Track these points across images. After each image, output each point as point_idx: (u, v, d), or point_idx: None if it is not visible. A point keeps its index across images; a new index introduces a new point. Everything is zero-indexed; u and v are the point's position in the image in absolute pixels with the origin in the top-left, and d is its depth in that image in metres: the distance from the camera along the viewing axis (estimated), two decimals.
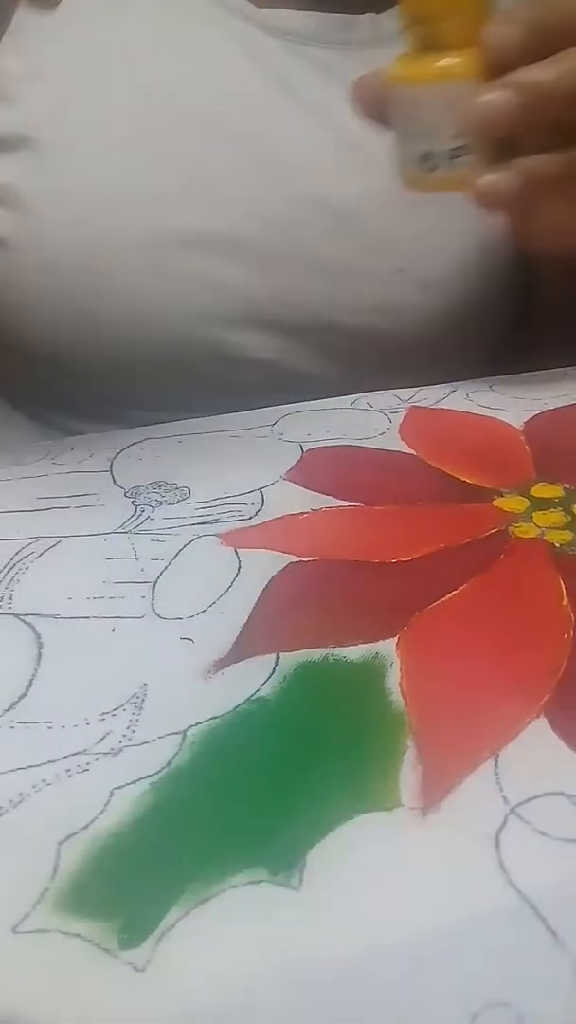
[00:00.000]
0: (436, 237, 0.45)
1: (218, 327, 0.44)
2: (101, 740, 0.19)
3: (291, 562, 0.26)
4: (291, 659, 0.21)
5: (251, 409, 0.38)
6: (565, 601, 0.23)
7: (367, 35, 0.46)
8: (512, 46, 0.29)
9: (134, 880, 0.16)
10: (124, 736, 0.19)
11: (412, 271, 0.45)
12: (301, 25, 0.45)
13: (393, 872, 0.16)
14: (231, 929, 0.15)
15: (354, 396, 0.39)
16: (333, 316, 0.45)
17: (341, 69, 0.43)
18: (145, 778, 0.18)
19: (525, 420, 0.35)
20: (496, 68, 0.30)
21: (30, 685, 0.21)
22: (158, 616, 0.24)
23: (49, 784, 0.18)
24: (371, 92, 0.32)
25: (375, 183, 0.44)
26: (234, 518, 0.28)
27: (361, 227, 0.44)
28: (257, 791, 0.18)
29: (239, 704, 0.20)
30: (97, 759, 0.19)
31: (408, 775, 0.18)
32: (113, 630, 0.23)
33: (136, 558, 0.26)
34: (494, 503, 0.29)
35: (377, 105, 0.32)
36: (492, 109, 0.29)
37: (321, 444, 0.34)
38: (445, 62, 0.30)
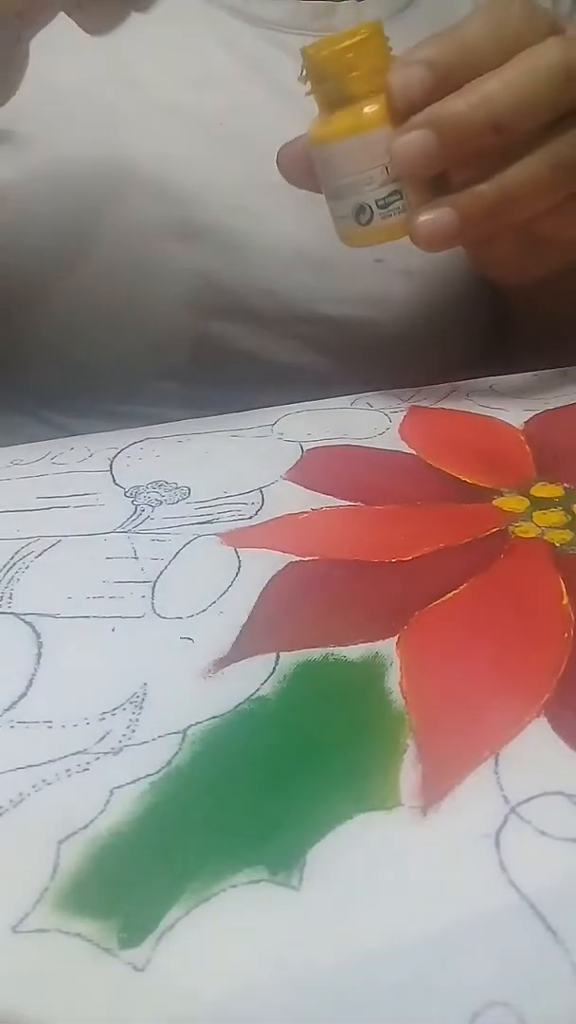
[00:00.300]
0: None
1: (200, 318, 0.44)
2: (101, 739, 0.19)
3: (291, 562, 0.26)
4: (291, 658, 0.21)
5: (231, 401, 0.38)
6: (565, 600, 0.23)
7: (347, 22, 0.46)
8: (417, 87, 0.29)
9: (134, 880, 0.16)
10: (124, 735, 0.19)
11: (393, 260, 0.45)
12: (279, 12, 0.45)
13: (393, 871, 0.16)
14: (231, 928, 0.15)
15: (354, 396, 0.39)
16: (315, 307, 0.45)
17: None
18: (145, 777, 0.18)
19: (525, 420, 0.35)
20: (406, 111, 0.30)
21: (30, 684, 0.21)
22: (158, 615, 0.24)
23: (49, 784, 0.18)
24: (295, 160, 0.33)
25: None
26: (234, 517, 0.28)
27: None
28: (257, 790, 0.18)
29: (239, 703, 0.20)
30: (97, 758, 0.19)
31: (408, 774, 0.18)
32: (113, 629, 0.23)
33: (136, 557, 0.26)
34: (494, 503, 0.29)
35: (303, 171, 0.32)
36: (411, 150, 0.29)
37: (321, 444, 0.34)
38: (356, 114, 0.31)
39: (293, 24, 0.45)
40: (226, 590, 0.24)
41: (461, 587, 0.24)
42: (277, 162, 0.33)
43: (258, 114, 0.44)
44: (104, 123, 0.43)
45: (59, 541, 0.27)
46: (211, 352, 0.45)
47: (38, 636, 0.23)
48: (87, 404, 0.46)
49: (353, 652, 0.22)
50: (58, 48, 0.42)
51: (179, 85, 0.43)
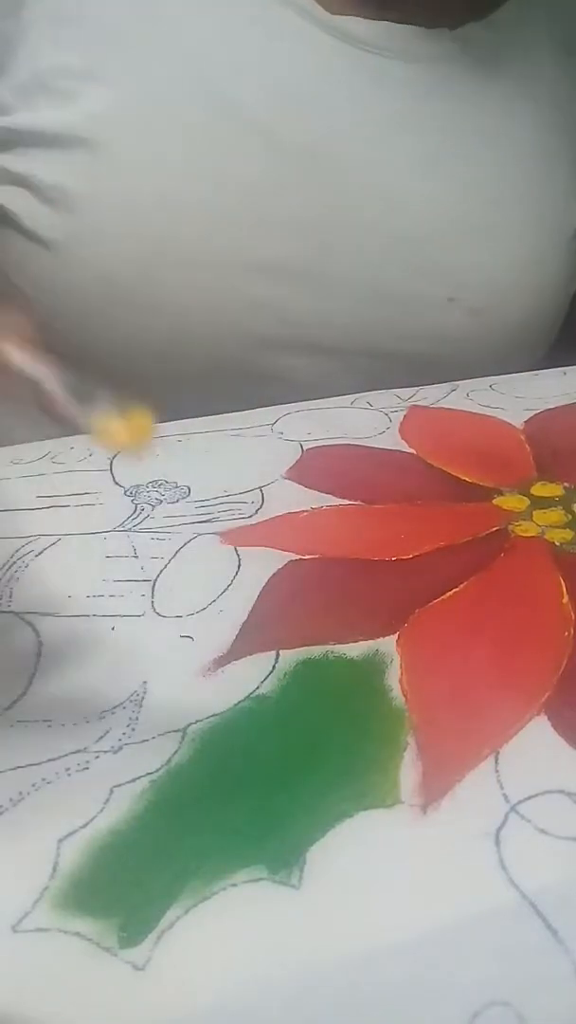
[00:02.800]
0: (490, 265, 0.44)
1: (265, 350, 0.43)
2: (101, 738, 0.19)
3: (291, 560, 0.25)
4: (291, 656, 0.21)
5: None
6: (565, 599, 0.23)
7: (440, 50, 0.43)
8: None
9: (134, 878, 0.16)
10: (124, 734, 0.19)
11: (464, 298, 0.44)
12: (374, 35, 0.42)
13: (393, 869, 0.16)
14: (231, 927, 0.15)
15: (354, 395, 0.39)
16: (382, 342, 0.44)
17: (412, 82, 0.42)
18: (145, 776, 0.18)
19: (525, 419, 0.35)
20: None
21: (30, 683, 0.21)
22: (158, 614, 0.23)
23: (49, 782, 0.18)
24: None
25: (438, 209, 0.43)
26: (234, 516, 0.28)
27: (418, 253, 0.43)
28: (257, 788, 0.18)
29: (239, 701, 0.20)
30: (97, 757, 0.19)
31: (408, 772, 0.18)
32: (113, 628, 0.23)
33: (136, 556, 0.26)
34: (494, 502, 0.29)
35: None
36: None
37: (321, 443, 0.34)
38: None
39: (389, 48, 0.42)
40: (226, 588, 0.24)
41: (461, 585, 0.24)
42: None
43: (345, 142, 0.41)
44: (188, 139, 0.40)
45: (59, 540, 0.27)
46: (268, 381, 0.43)
47: (38, 635, 0.23)
48: None
49: (353, 650, 0.22)
50: (142, 56, 0.40)
51: (265, 105, 0.41)
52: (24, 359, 0.20)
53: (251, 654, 0.22)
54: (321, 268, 0.42)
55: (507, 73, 0.44)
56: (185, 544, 0.27)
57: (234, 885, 0.16)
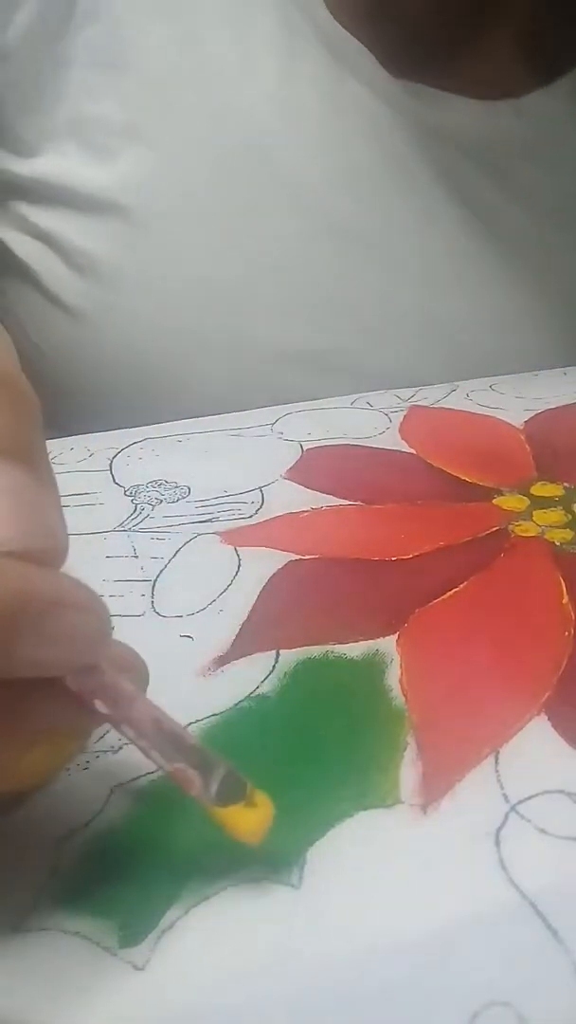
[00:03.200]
0: (535, 354, 0.42)
1: None
2: (101, 738, 0.19)
3: (291, 560, 0.25)
4: (291, 656, 0.21)
5: None
6: (565, 599, 0.23)
7: (501, 128, 0.39)
8: None
9: (134, 878, 0.16)
10: None
11: None
12: (436, 109, 0.38)
13: (393, 869, 0.16)
14: (231, 927, 0.15)
15: (354, 396, 0.39)
16: None
17: (468, 164, 0.39)
18: (145, 775, 0.18)
19: (525, 419, 0.35)
20: None
21: None
22: (158, 614, 0.23)
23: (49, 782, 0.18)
24: None
25: (482, 300, 0.40)
26: (234, 516, 0.28)
27: (464, 345, 0.41)
28: (257, 788, 0.18)
29: (239, 701, 0.20)
30: (97, 756, 0.19)
31: (408, 772, 0.18)
32: (112, 628, 0.23)
33: (136, 556, 0.26)
34: (494, 502, 0.29)
35: None
36: None
37: (321, 443, 0.34)
38: None
39: (451, 123, 0.38)
40: (226, 588, 0.24)
41: (461, 585, 0.24)
42: None
43: (397, 224, 0.38)
44: (229, 215, 0.37)
45: None
46: None
47: None
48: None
49: (353, 650, 0.21)
50: (186, 116, 0.36)
51: (317, 179, 0.37)
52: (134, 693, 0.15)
53: (251, 654, 0.22)
54: (357, 356, 0.40)
55: (565, 151, 0.41)
56: (185, 544, 0.27)
57: (234, 885, 0.16)
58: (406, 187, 0.39)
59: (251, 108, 0.37)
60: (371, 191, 0.39)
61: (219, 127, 0.37)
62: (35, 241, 0.38)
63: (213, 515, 0.28)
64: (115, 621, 0.23)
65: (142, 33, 0.36)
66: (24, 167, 0.38)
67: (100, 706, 0.15)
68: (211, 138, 0.37)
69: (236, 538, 0.27)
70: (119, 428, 0.35)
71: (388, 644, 0.22)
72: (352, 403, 0.38)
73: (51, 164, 0.37)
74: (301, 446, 0.34)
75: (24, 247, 0.39)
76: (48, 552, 0.14)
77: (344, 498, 0.29)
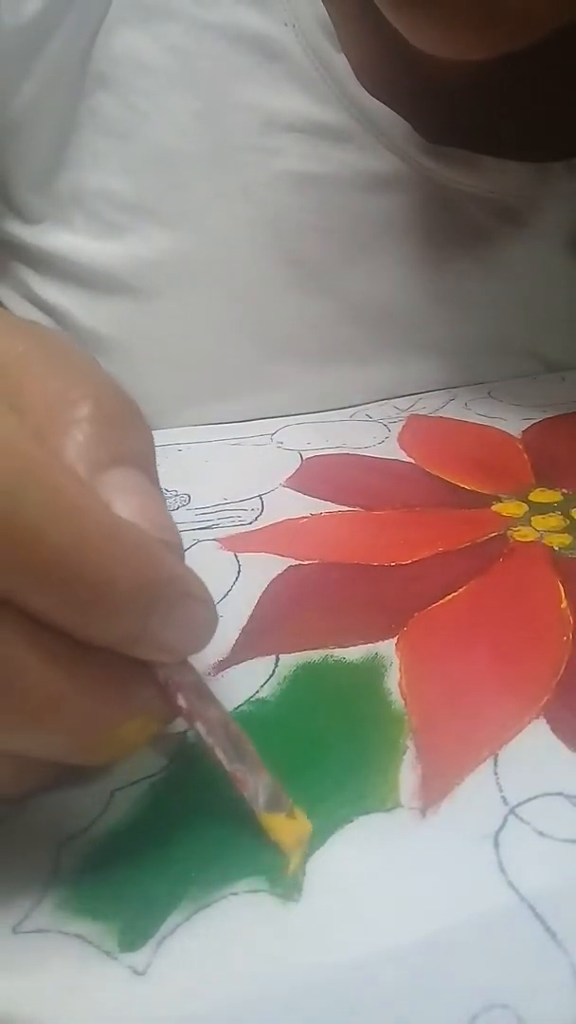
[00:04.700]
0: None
1: None
2: None
3: (291, 565, 0.26)
4: (291, 660, 0.21)
5: None
6: (564, 604, 0.23)
7: (559, 190, 0.37)
8: None
9: (134, 883, 0.16)
10: None
11: None
12: (478, 171, 0.36)
13: (392, 872, 0.16)
14: (232, 932, 0.15)
15: (353, 408, 0.39)
16: None
17: (500, 239, 0.37)
18: (146, 779, 0.18)
19: (523, 428, 0.35)
20: None
21: None
22: None
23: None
24: None
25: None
26: (234, 523, 0.28)
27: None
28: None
29: (239, 705, 0.20)
30: None
31: (407, 775, 0.18)
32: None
33: None
34: (493, 508, 0.29)
35: None
36: None
37: (320, 452, 0.34)
38: None
39: (488, 195, 0.36)
40: (226, 593, 0.24)
41: (460, 590, 0.24)
42: None
43: (419, 306, 0.37)
44: (243, 299, 0.35)
45: None
46: None
47: None
48: None
49: (353, 653, 0.22)
50: (208, 194, 0.34)
51: (350, 270, 0.36)
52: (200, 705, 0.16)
53: (251, 658, 0.22)
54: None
55: None
56: (185, 551, 0.27)
57: (235, 894, 0.16)
58: (428, 263, 0.37)
59: (268, 185, 0.35)
60: (405, 280, 0.37)
61: (234, 206, 0.35)
62: (41, 315, 0.37)
63: (213, 522, 0.29)
64: None
65: (156, 104, 0.34)
66: (30, 234, 0.36)
67: (181, 700, 0.16)
68: (225, 217, 0.35)
69: (236, 544, 0.27)
70: None
71: (387, 648, 0.22)
72: (351, 416, 0.38)
73: (57, 235, 0.36)
74: (300, 455, 0.34)
75: (31, 318, 0.37)
76: (173, 546, 0.16)
77: (343, 505, 0.29)
